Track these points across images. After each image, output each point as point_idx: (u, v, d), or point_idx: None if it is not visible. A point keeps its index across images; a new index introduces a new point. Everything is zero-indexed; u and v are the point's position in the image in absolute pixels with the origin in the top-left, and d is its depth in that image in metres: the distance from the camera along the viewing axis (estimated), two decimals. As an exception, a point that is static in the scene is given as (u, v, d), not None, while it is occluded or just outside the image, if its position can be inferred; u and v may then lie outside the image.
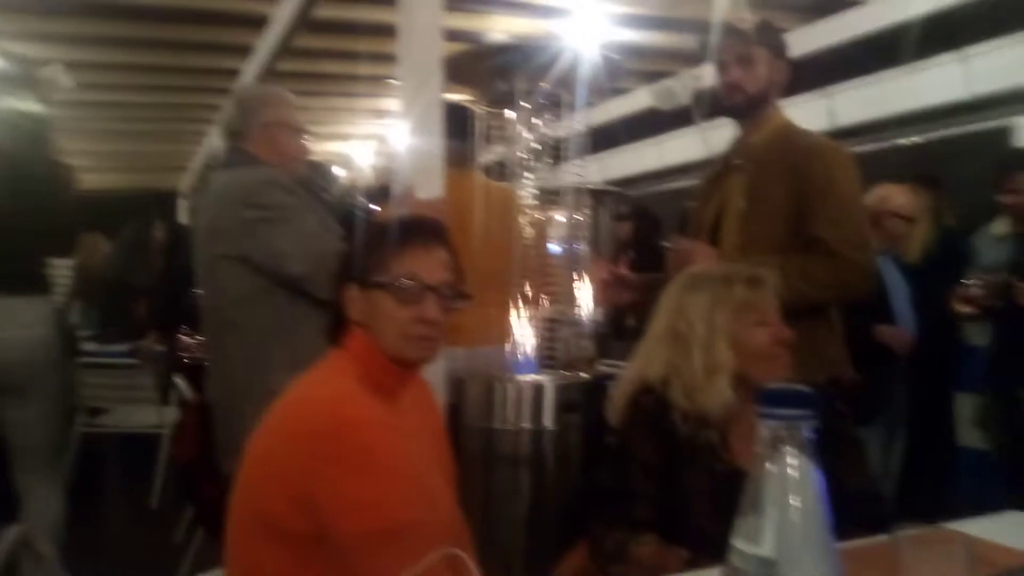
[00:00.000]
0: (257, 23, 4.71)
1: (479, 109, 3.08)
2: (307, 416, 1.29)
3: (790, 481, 0.82)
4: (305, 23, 4.40)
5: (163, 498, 3.55)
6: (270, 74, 5.00)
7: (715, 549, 1.08)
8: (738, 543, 0.83)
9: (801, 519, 0.81)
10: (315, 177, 2.69)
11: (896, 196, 3.41)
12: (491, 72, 3.05)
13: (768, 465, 0.82)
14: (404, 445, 1.35)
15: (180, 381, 3.24)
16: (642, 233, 4.90)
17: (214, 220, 2.37)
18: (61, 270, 2.79)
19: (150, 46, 5.34)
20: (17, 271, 2.59)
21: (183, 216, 4.28)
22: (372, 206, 3.13)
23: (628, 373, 1.71)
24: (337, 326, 1.46)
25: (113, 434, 3.84)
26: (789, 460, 0.83)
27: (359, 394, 1.33)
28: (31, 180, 2.64)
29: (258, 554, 1.29)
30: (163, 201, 6.17)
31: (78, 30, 4.95)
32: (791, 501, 0.81)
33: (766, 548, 0.81)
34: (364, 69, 5.87)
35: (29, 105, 2.67)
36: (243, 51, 5.17)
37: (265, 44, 4.82)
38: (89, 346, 3.73)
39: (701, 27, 2.44)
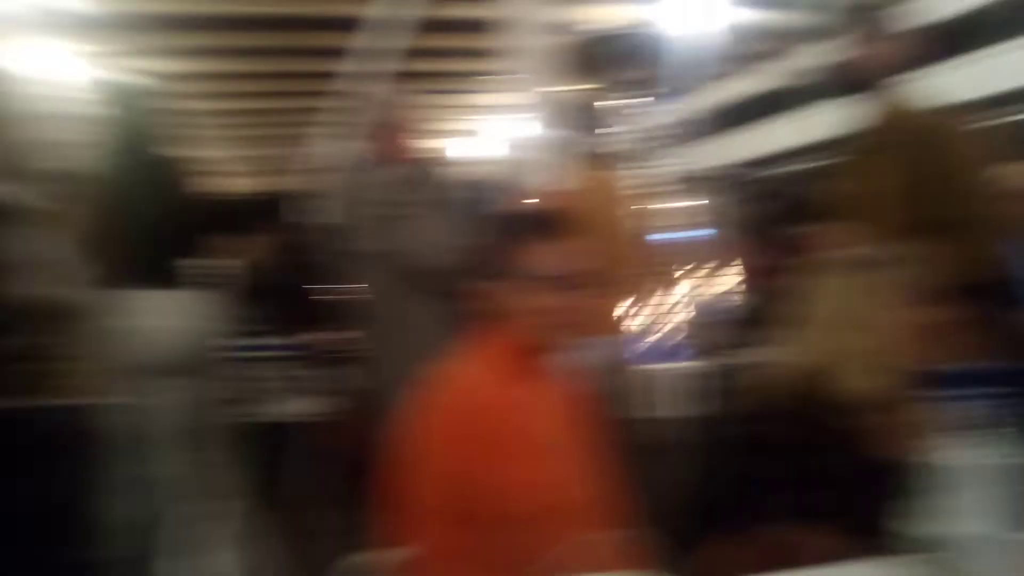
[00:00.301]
0: (356, 26, 4.86)
1: (595, 98, 3.08)
2: (453, 403, 1.36)
3: (964, 464, 0.82)
4: (421, 23, 4.52)
5: (316, 484, 3.71)
6: (388, 76, 5.14)
7: (869, 536, 1.07)
8: (906, 527, 0.83)
9: (975, 501, 0.80)
10: (436, 174, 2.77)
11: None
12: (606, 61, 3.05)
13: (942, 448, 0.82)
14: (544, 431, 1.40)
15: (329, 373, 3.40)
16: (779, 216, 4.71)
17: (348, 219, 2.50)
18: (212, 268, 2.99)
19: (266, 54, 5.59)
20: (165, 266, 2.80)
21: (314, 216, 4.49)
22: (492, 200, 3.20)
23: (772, 360, 1.71)
24: (469, 317, 1.52)
25: (264, 424, 4.04)
26: (963, 443, 0.82)
27: (497, 382, 1.40)
28: (164, 181, 2.84)
29: (430, 534, 1.37)
30: (291, 202, 6.44)
31: (204, 43, 5.23)
32: (967, 483, 0.81)
33: (937, 530, 0.81)
34: (475, 66, 5.98)
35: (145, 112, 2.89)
36: (346, 54, 5.34)
37: (380, 46, 4.96)
38: (240, 341, 3.94)
39: (824, 5, 2.39)
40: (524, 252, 1.44)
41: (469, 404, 1.37)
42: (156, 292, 2.76)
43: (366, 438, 2.62)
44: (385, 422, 2.40)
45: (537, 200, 2.33)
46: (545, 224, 1.50)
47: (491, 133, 7.89)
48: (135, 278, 2.72)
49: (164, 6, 4.54)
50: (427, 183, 2.52)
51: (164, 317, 2.75)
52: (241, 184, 9.49)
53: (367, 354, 2.68)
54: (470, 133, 8.07)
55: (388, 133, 2.59)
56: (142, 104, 2.88)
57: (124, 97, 2.88)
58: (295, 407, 4.08)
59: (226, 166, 8.79)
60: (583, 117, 2.95)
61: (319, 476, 3.64)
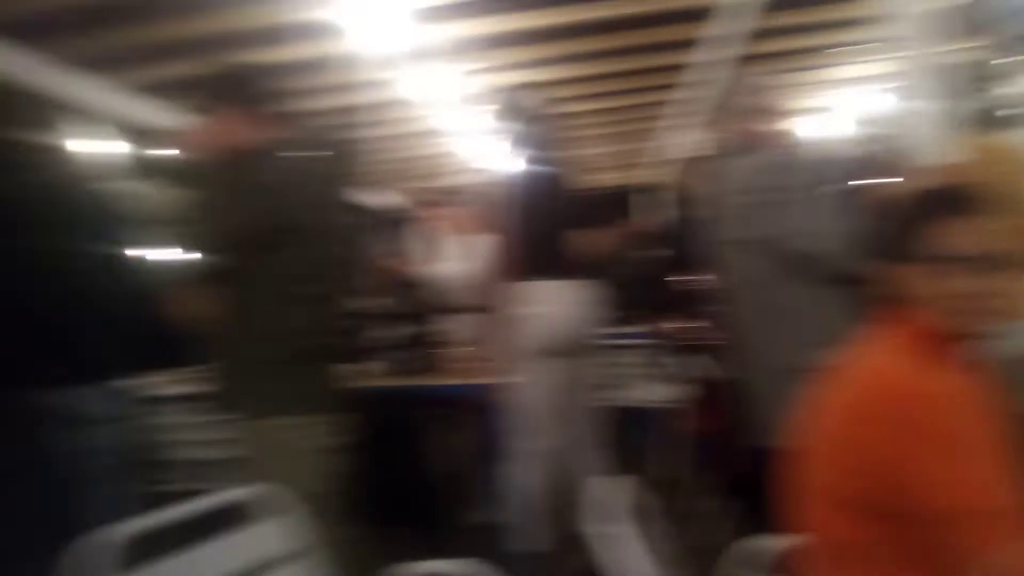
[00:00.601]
0: (707, 15, 4.83)
1: (981, 59, 2.77)
2: (879, 393, 1.31)
3: None
4: (771, 3, 4.41)
5: (677, 469, 3.81)
6: (740, 60, 5.08)
7: None
8: None
9: None
10: (804, 156, 2.68)
11: None
12: (992, 17, 2.74)
13: None
14: (963, 425, 1.30)
15: (692, 360, 3.47)
16: None
17: (724, 207, 2.50)
18: (586, 259, 3.21)
19: (616, 55, 5.78)
20: (557, 258, 3.06)
21: (674, 207, 4.62)
22: (869, 179, 3.01)
23: None
24: (870, 303, 1.46)
25: (627, 408, 4.24)
26: None
27: (910, 371, 1.32)
28: (555, 180, 3.12)
29: (838, 526, 1.34)
30: (648, 193, 6.66)
31: (569, 50, 5.55)
32: None
33: None
34: (829, 39, 5.67)
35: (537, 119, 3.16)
36: (699, 44, 5.34)
37: (731, 31, 4.91)
38: (608, 328, 4.20)
39: None
40: (935, 232, 1.35)
41: (881, 394, 1.31)
42: (550, 282, 3.03)
43: (728, 425, 2.64)
44: (755, 410, 2.41)
45: (928, 175, 2.15)
46: (953, 201, 1.39)
47: (849, 108, 7.37)
48: (533, 270, 3.02)
49: (532, 21, 4.93)
50: (797, 166, 2.45)
51: (556, 305, 3.01)
52: (605, 179, 9.96)
53: (730, 342, 2.68)
54: (825, 110, 7.63)
55: (750, 118, 2.57)
56: (532, 112, 3.16)
57: (515, 108, 3.19)
58: (655, 393, 4.22)
59: (592, 162, 9.26)
60: (968, 81, 2.68)
61: (680, 461, 3.72)
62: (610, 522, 1.45)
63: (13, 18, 3.89)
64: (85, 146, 3.64)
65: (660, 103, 7.23)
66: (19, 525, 2.96)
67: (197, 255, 2.24)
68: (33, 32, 4.06)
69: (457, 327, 3.51)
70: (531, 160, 3.06)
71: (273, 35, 4.20)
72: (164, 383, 3.41)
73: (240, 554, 1.51)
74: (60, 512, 2.94)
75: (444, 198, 4.18)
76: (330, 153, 2.30)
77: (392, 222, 4.26)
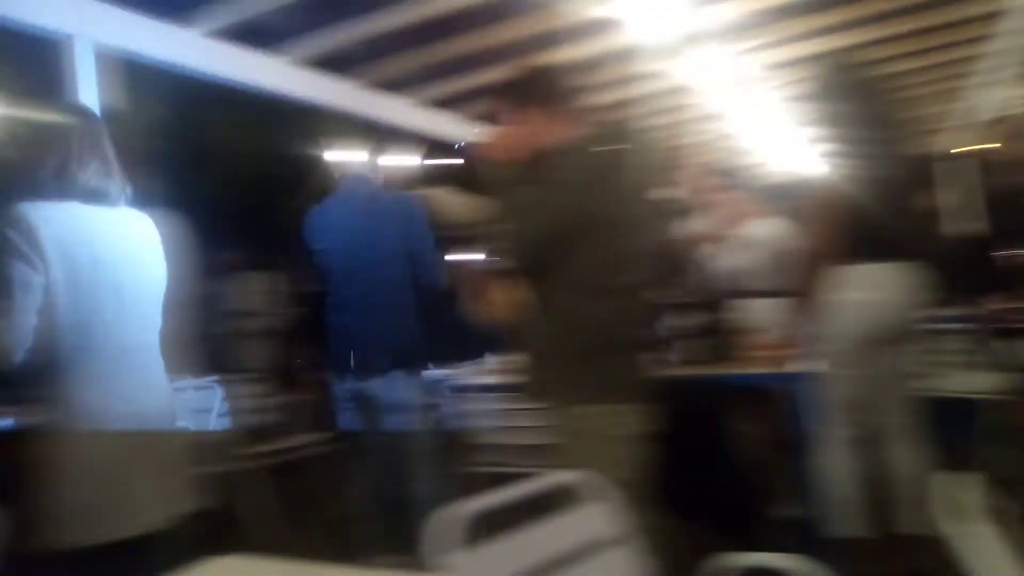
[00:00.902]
0: None
1: None
2: None
3: None
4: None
5: (1009, 466, 3.45)
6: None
7: None
8: None
9: None
10: None
11: None
12: None
13: None
14: None
15: (1014, 345, 3.12)
16: None
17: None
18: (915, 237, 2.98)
19: (913, 11, 5.25)
20: (880, 241, 2.88)
21: (981, 175, 4.08)
22: None
23: None
24: None
25: (946, 399, 3.88)
26: None
27: None
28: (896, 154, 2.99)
29: None
30: (952, 162, 5.96)
31: (844, 17, 5.14)
32: None
33: None
34: None
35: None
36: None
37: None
38: (931, 312, 3.87)
39: None
40: None
41: None
42: (872, 265, 2.88)
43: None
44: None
45: None
46: None
47: None
48: (855, 252, 2.86)
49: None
50: None
51: (879, 290, 2.84)
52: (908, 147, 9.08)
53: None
54: None
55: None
56: (849, 83, 2.99)
57: (830, 80, 3.03)
58: (980, 382, 3.81)
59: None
60: None
61: (1015, 458, 3.34)
62: (962, 521, 1.33)
63: (326, 53, 4.36)
64: (395, 160, 4.00)
65: (965, 59, 6.46)
66: (356, 499, 3.35)
67: (505, 254, 2.37)
68: (341, 63, 4.53)
69: (755, 314, 3.41)
70: (844, 136, 2.88)
71: (556, 37, 4.32)
72: (471, 373, 3.66)
73: (569, 536, 1.57)
74: (386, 488, 3.28)
75: (730, 183, 4.07)
76: (628, 146, 2.33)
77: (680, 210, 4.22)
